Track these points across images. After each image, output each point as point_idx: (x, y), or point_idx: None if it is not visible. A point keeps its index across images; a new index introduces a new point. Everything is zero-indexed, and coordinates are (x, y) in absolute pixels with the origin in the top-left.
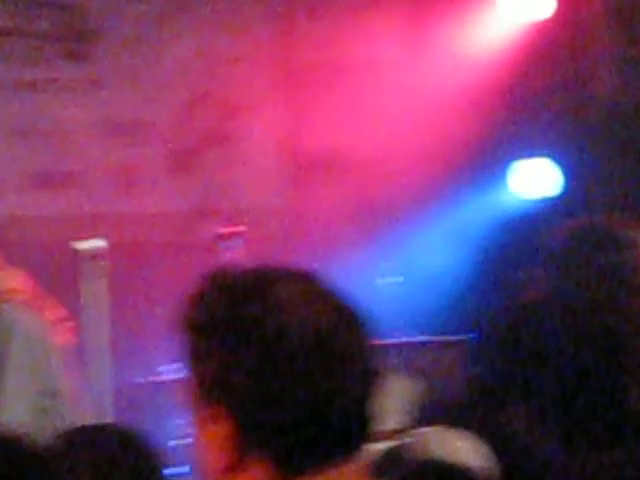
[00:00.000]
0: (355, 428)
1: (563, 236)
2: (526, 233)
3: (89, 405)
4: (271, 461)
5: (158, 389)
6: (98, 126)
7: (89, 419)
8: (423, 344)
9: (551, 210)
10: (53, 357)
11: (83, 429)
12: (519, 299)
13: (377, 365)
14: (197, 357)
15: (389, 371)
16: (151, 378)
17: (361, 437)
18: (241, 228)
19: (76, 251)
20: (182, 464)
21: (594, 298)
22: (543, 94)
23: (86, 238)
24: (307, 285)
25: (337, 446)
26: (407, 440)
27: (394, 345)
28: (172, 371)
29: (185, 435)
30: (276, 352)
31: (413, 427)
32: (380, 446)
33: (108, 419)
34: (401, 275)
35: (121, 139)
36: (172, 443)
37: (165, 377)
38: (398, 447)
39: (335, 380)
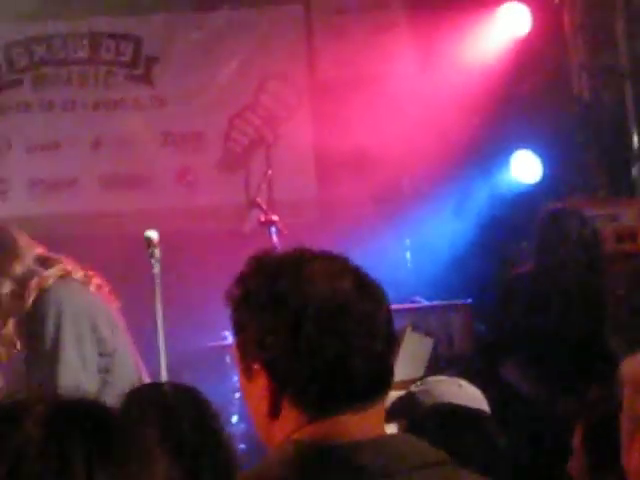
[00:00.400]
0: (373, 379)
1: (543, 217)
2: (518, 211)
3: (141, 364)
4: (300, 408)
5: (220, 352)
6: (161, 137)
7: (145, 376)
8: (432, 308)
9: (539, 191)
10: (110, 320)
11: (145, 387)
12: (512, 270)
13: (393, 326)
14: (239, 324)
15: (403, 331)
16: (212, 343)
17: (380, 387)
18: (276, 217)
19: (146, 239)
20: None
21: (569, 264)
22: (533, 96)
23: (151, 228)
24: (332, 263)
25: (358, 395)
26: (419, 388)
27: (408, 309)
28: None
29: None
30: (302, 319)
31: (424, 377)
32: (396, 393)
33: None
34: (413, 249)
35: (180, 147)
36: (230, 397)
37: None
38: (412, 393)
39: (355, 339)
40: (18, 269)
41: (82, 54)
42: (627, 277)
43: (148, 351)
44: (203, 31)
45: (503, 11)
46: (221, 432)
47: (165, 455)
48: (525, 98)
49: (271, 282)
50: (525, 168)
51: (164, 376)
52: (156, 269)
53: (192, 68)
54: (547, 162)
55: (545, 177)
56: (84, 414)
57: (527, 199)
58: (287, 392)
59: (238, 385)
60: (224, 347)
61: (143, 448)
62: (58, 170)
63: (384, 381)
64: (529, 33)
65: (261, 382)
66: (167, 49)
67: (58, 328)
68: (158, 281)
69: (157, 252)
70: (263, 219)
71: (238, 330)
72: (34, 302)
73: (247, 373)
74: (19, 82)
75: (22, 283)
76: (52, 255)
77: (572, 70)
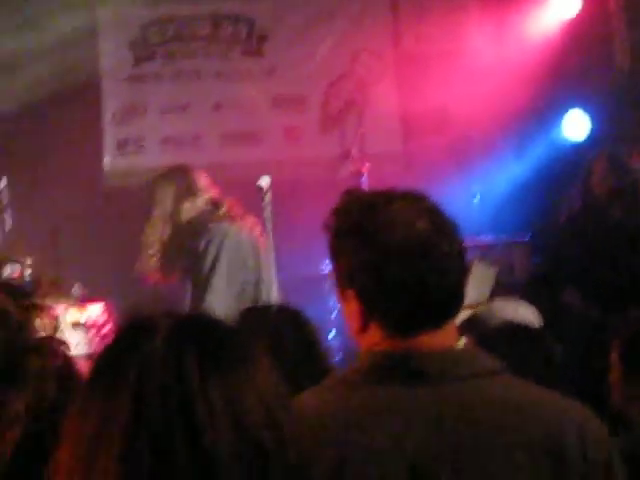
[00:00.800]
0: (445, 306)
1: (587, 164)
2: (569, 160)
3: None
4: (383, 327)
5: (320, 279)
6: (270, 100)
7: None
8: (496, 243)
9: (587, 144)
10: (258, 255)
11: (258, 307)
12: (564, 211)
13: (465, 260)
14: (335, 255)
15: (472, 262)
16: (313, 272)
17: (449, 312)
18: (366, 167)
19: (259, 186)
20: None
21: (611, 206)
22: (582, 65)
23: (262, 175)
24: (413, 203)
25: (430, 319)
26: (486, 308)
27: (476, 244)
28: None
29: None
30: (386, 256)
31: (490, 300)
32: (466, 313)
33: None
34: (480, 193)
35: (286, 109)
36: (328, 317)
37: (323, 272)
38: (480, 313)
39: (430, 273)
40: (187, 206)
41: (205, 32)
42: None
43: None
44: (304, 12)
45: None
46: (319, 344)
47: (271, 364)
48: (575, 67)
49: (360, 222)
50: (576, 125)
51: (275, 298)
52: (267, 211)
53: (296, 44)
54: (595, 120)
55: (593, 133)
56: (201, 329)
57: (577, 150)
58: (373, 314)
59: (334, 306)
60: (323, 276)
61: (251, 358)
62: (185, 129)
63: (454, 308)
64: (579, 12)
65: (353, 304)
66: (275, 28)
67: (217, 255)
68: (269, 221)
69: (268, 197)
70: (356, 169)
71: (334, 260)
72: (202, 234)
73: (342, 296)
74: (153, 56)
75: (195, 219)
76: (221, 198)
77: (615, 44)
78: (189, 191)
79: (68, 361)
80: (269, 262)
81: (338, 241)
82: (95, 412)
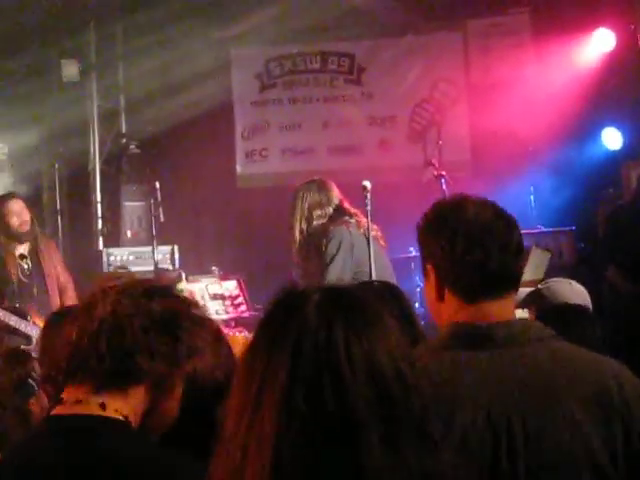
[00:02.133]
0: (505, 279)
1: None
2: (607, 168)
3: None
4: (455, 295)
5: (407, 260)
6: (367, 119)
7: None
8: (549, 232)
9: (621, 155)
10: (364, 253)
11: (366, 283)
12: (613, 203)
13: (522, 243)
14: (421, 242)
15: (530, 247)
16: (402, 255)
17: (509, 285)
18: (444, 172)
19: (363, 186)
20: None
21: None
22: (616, 90)
23: (364, 179)
24: (482, 202)
25: (493, 289)
26: (543, 285)
27: (533, 233)
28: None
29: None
30: (456, 236)
31: (545, 279)
32: (526, 289)
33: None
34: (535, 193)
35: (380, 126)
36: (414, 291)
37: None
38: (538, 289)
39: (492, 251)
40: (318, 213)
41: (315, 66)
42: None
43: None
44: (394, 50)
45: (597, 34)
46: (412, 311)
47: (397, 327)
48: (610, 92)
49: (440, 216)
50: (611, 139)
51: (375, 276)
52: (368, 206)
53: (388, 74)
54: (627, 136)
55: (625, 146)
56: (344, 299)
57: (611, 160)
58: (447, 284)
59: (418, 283)
60: (409, 258)
61: (382, 322)
62: (299, 142)
63: (512, 281)
64: (614, 48)
65: (432, 278)
66: (371, 62)
67: (335, 252)
68: (369, 214)
69: (369, 195)
70: (436, 174)
71: (420, 246)
72: (329, 232)
73: (424, 272)
74: (274, 85)
75: (323, 223)
76: (345, 205)
77: None
78: (322, 200)
79: (217, 326)
80: (379, 251)
81: (424, 232)
82: (260, 366)
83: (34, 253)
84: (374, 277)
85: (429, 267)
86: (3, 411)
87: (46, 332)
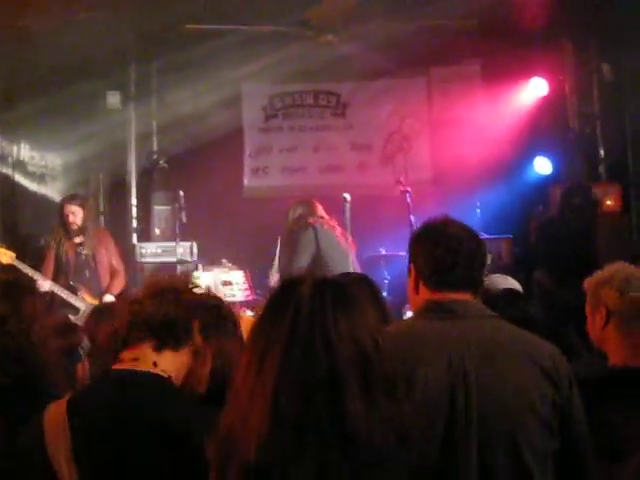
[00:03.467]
0: (472, 282)
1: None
2: (538, 189)
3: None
4: (427, 286)
5: (377, 259)
6: (349, 145)
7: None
8: (491, 239)
9: (550, 179)
10: (334, 249)
11: (344, 274)
12: (542, 217)
13: (485, 254)
14: (409, 248)
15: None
16: (371, 254)
17: (475, 287)
18: (409, 189)
19: (343, 198)
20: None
21: (574, 217)
22: (546, 130)
23: (344, 192)
24: (452, 221)
25: (459, 286)
26: (488, 280)
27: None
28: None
29: None
30: (433, 247)
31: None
32: None
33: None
34: (481, 208)
35: (359, 151)
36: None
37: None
38: (485, 283)
39: (464, 261)
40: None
41: (309, 101)
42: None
43: None
44: (371, 90)
45: (533, 81)
46: (381, 297)
47: (371, 307)
48: (543, 128)
49: (426, 230)
50: (542, 166)
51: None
52: (347, 213)
53: (366, 110)
54: (555, 163)
55: (553, 171)
56: (332, 283)
57: (541, 182)
58: (423, 280)
59: (386, 277)
60: (380, 256)
61: (362, 303)
62: (295, 162)
63: (474, 285)
64: (547, 93)
65: (413, 275)
66: (353, 99)
67: (296, 246)
68: (349, 222)
69: (348, 206)
70: (402, 189)
71: (408, 250)
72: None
73: (409, 270)
74: (276, 115)
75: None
76: (324, 215)
77: (568, 114)
78: (305, 213)
79: (230, 307)
80: (347, 251)
81: (413, 240)
82: (265, 333)
83: (88, 243)
84: (336, 265)
85: (412, 267)
86: (55, 369)
87: (91, 320)
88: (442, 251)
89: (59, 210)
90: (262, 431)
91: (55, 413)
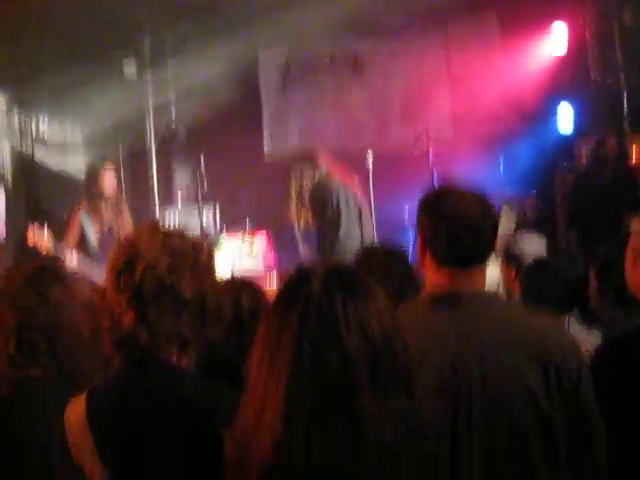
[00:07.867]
0: (475, 256)
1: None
2: (562, 141)
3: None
4: (434, 260)
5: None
6: (368, 104)
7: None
8: (515, 195)
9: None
10: (360, 206)
11: (373, 248)
12: (573, 171)
13: (496, 230)
14: (417, 218)
15: (502, 207)
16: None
17: (479, 261)
18: (430, 147)
19: (367, 155)
20: None
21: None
22: (568, 82)
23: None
24: (465, 193)
25: (465, 261)
26: (514, 244)
27: (503, 195)
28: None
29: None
30: (440, 219)
31: (514, 232)
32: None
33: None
34: (504, 163)
35: (379, 110)
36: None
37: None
38: (515, 245)
39: (467, 232)
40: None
41: (326, 62)
42: None
43: None
44: (390, 48)
45: (554, 27)
46: (411, 267)
47: (384, 295)
48: (565, 80)
49: (434, 200)
50: (565, 117)
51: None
52: (370, 173)
53: (384, 68)
54: (577, 114)
55: (576, 123)
56: (342, 275)
57: (567, 136)
58: (429, 251)
59: (409, 238)
60: (403, 214)
61: (373, 293)
62: (314, 124)
63: (481, 258)
64: (568, 41)
65: (421, 244)
66: (371, 58)
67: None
68: (371, 180)
69: (371, 163)
70: (423, 149)
71: (417, 221)
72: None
73: (416, 240)
74: (293, 77)
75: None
76: (333, 165)
77: (590, 63)
78: (310, 167)
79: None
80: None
81: (421, 210)
82: (275, 326)
83: (118, 211)
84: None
85: (420, 237)
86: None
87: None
88: (447, 224)
89: (91, 176)
90: (276, 430)
91: (76, 406)
